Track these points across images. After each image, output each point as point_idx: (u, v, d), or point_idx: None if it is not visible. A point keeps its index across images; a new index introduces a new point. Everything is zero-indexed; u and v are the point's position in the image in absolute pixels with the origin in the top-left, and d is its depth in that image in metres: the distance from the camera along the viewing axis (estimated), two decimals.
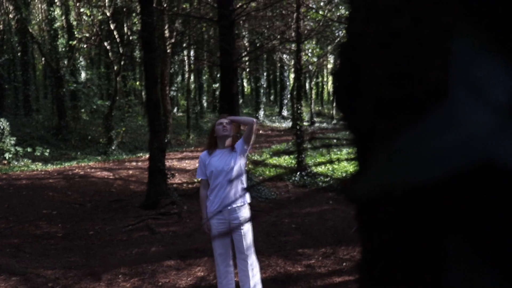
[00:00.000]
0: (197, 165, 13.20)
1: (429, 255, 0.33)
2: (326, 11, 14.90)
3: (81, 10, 19.35)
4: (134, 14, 17.39)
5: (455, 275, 0.27)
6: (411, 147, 0.24)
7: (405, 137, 0.24)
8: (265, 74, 30.72)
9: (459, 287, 0.27)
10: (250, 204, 4.01)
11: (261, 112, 28.85)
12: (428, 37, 0.33)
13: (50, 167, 12.83)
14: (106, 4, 16.42)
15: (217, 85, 27.55)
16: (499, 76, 0.24)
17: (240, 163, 3.82)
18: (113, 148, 17.24)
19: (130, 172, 12.02)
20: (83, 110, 20.09)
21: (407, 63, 0.32)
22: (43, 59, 21.00)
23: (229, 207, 3.80)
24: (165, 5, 15.59)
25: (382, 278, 0.37)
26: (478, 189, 0.29)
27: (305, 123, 16.86)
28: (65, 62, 19.00)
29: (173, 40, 17.73)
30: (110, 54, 17.77)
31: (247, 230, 3.88)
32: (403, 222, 0.35)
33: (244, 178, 3.91)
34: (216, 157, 3.80)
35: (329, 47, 20.04)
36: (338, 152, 13.46)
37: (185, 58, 22.96)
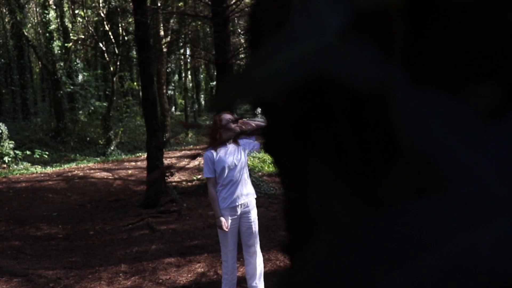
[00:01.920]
0: (196, 163, 13.11)
1: (300, 184, 0.35)
2: None
3: (76, 12, 19.34)
4: (128, 14, 17.38)
5: (315, 200, 0.29)
6: (257, 63, 0.26)
7: (254, 55, 0.27)
8: None
9: (317, 211, 0.28)
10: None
11: (259, 109, 28.84)
12: None
13: (49, 170, 12.85)
14: (100, 5, 16.41)
15: (214, 82, 27.54)
16: (334, 5, 0.27)
17: (245, 155, 3.85)
18: (112, 148, 17.26)
19: (129, 171, 12.05)
20: (81, 112, 20.10)
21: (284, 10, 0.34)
22: (39, 62, 20.98)
23: (241, 202, 3.80)
24: (159, 4, 15.58)
25: (290, 218, 0.39)
26: (318, 106, 0.32)
27: None
28: (62, 64, 19.00)
29: (168, 39, 17.73)
30: (106, 55, 17.77)
31: (255, 222, 3.90)
32: (285, 154, 0.38)
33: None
34: (224, 153, 3.79)
35: None
36: None
37: (182, 56, 22.95)
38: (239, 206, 3.81)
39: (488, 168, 0.21)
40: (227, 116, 3.83)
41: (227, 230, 3.78)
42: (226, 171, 3.74)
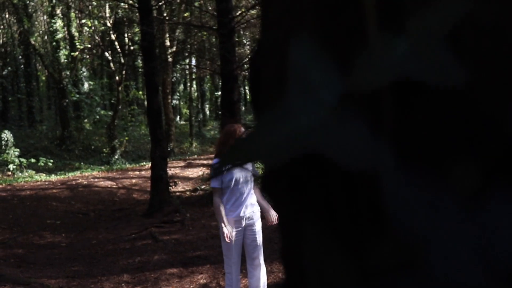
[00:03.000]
0: (200, 173, 13.11)
1: (295, 233, 0.37)
2: None
3: (83, 21, 19.50)
4: (135, 24, 17.50)
5: (308, 258, 0.30)
6: (259, 133, 0.28)
7: (258, 123, 0.28)
8: None
9: (309, 268, 0.30)
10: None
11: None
12: (273, 40, 0.37)
13: (53, 178, 12.89)
14: (107, 15, 16.54)
15: (219, 93, 27.62)
16: (330, 78, 0.28)
17: (252, 170, 3.85)
18: (116, 157, 17.29)
19: (133, 181, 12.07)
20: (86, 120, 20.19)
21: (280, 69, 0.36)
22: (46, 70, 21.13)
23: (247, 215, 3.80)
24: (165, 14, 15.69)
25: (285, 261, 0.40)
26: (315, 177, 0.33)
27: None
28: (68, 73, 19.12)
29: (174, 49, 17.83)
30: (112, 64, 17.87)
31: (260, 234, 3.89)
32: (282, 199, 0.39)
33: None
34: None
35: None
36: None
37: (187, 66, 23.06)
38: (244, 218, 3.80)
39: (466, 252, 0.22)
40: (242, 129, 3.83)
41: (229, 241, 3.76)
42: (233, 182, 3.74)
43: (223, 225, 3.71)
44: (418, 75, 0.26)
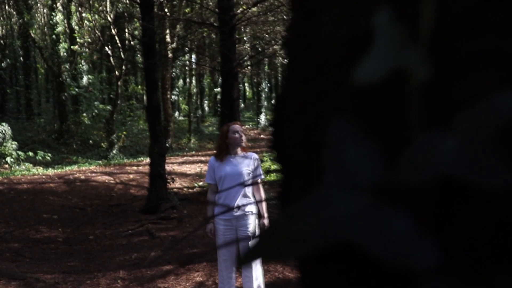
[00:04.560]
0: (198, 169, 13.18)
1: None
2: None
3: (83, 15, 19.43)
4: (135, 20, 17.45)
5: None
6: (293, 220, 0.27)
7: (291, 209, 0.28)
8: (266, 78, 30.76)
9: None
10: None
11: (262, 116, 28.87)
12: (302, 100, 0.36)
13: (51, 171, 12.86)
14: (108, 10, 16.48)
15: (218, 89, 27.59)
16: (370, 165, 0.27)
17: (250, 171, 3.80)
18: (114, 152, 17.26)
19: (131, 176, 12.05)
20: (84, 114, 20.14)
21: (310, 133, 0.35)
22: (45, 63, 21.07)
23: (236, 213, 3.79)
24: (166, 10, 15.65)
25: None
26: (351, 265, 0.32)
27: None
28: (67, 67, 19.06)
29: (174, 45, 17.78)
30: (111, 59, 17.83)
31: (253, 234, 3.88)
32: None
33: (260, 187, 3.91)
34: (226, 163, 3.79)
35: None
36: None
37: (187, 62, 23.02)
38: (235, 218, 3.80)
39: None
40: (236, 127, 3.82)
41: (212, 236, 3.84)
42: (223, 180, 3.75)
43: (208, 220, 3.81)
44: (465, 174, 0.25)
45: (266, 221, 3.84)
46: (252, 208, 3.85)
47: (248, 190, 3.86)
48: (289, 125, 0.39)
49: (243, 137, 3.78)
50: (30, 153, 14.67)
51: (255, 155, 3.89)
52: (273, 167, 13.47)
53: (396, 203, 0.26)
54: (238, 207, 3.77)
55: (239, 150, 3.81)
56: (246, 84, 40.18)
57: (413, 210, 0.28)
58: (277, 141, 0.42)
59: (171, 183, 9.20)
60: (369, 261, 0.29)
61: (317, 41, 0.36)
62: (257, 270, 3.95)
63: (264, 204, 3.90)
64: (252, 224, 3.85)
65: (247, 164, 3.79)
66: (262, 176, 3.94)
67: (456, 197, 0.27)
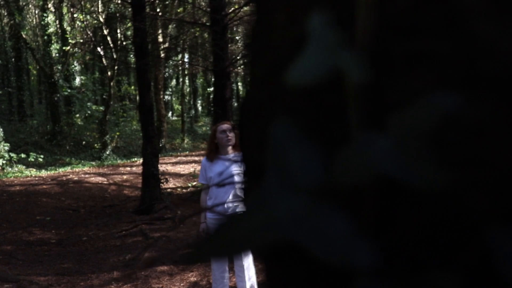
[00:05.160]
0: (191, 169, 13.14)
1: None
2: None
3: (75, 15, 19.34)
4: (127, 20, 17.40)
5: None
6: (236, 221, 0.28)
7: (238, 211, 0.28)
8: None
9: None
10: None
11: None
12: (258, 101, 0.37)
13: (44, 173, 12.80)
14: (100, 10, 16.42)
15: (211, 89, 27.55)
16: (310, 166, 0.27)
17: (240, 171, 3.80)
18: (107, 153, 17.21)
19: (125, 177, 12.02)
20: (77, 115, 20.06)
21: (264, 135, 0.35)
22: (37, 64, 20.97)
23: (229, 212, 3.79)
24: (158, 10, 15.61)
25: None
26: (299, 263, 0.33)
27: None
28: (59, 68, 18.97)
29: (166, 45, 17.74)
30: (104, 59, 17.76)
31: None
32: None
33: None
34: (217, 163, 3.79)
35: None
36: None
37: (179, 62, 22.98)
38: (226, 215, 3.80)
39: None
40: (224, 127, 3.81)
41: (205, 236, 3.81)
42: (212, 180, 3.76)
43: (201, 220, 3.87)
44: (398, 175, 0.25)
45: None
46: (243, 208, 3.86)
47: (239, 190, 3.85)
48: (249, 126, 0.39)
49: (230, 137, 3.75)
50: (23, 155, 14.60)
51: None
52: None
53: (336, 204, 0.27)
54: (228, 207, 3.78)
55: (229, 150, 3.80)
56: (239, 84, 40.14)
57: (353, 211, 0.28)
58: (241, 142, 0.42)
59: (164, 183, 9.19)
60: (312, 260, 0.30)
61: (270, 43, 0.36)
62: (250, 270, 3.96)
63: None
64: None
65: (237, 164, 3.79)
66: None
67: (393, 198, 0.28)
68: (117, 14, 17.45)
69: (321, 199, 0.26)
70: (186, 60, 22.70)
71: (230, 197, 3.80)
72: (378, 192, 0.28)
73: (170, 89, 25.37)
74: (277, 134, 0.29)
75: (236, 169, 3.78)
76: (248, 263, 3.93)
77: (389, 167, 0.25)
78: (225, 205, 3.77)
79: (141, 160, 9.59)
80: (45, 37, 18.89)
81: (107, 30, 16.78)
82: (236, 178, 3.77)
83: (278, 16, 0.34)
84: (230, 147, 3.79)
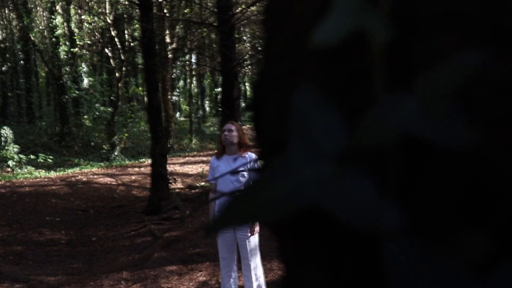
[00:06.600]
0: (199, 169, 13.16)
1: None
2: None
3: (82, 17, 19.44)
4: (135, 21, 17.47)
5: None
6: (259, 188, 0.27)
7: (258, 178, 0.28)
8: None
9: None
10: None
11: None
12: (275, 76, 0.37)
13: (53, 174, 12.88)
14: (107, 11, 16.50)
15: (219, 89, 27.58)
16: (334, 130, 0.27)
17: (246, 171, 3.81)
18: (115, 154, 17.28)
19: (133, 177, 12.06)
20: (85, 117, 20.16)
21: (283, 108, 0.35)
22: (45, 66, 21.10)
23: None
24: (165, 11, 15.65)
25: None
26: (320, 231, 0.32)
27: None
28: (67, 69, 19.08)
29: (174, 45, 17.79)
30: (111, 60, 17.84)
31: (254, 237, 3.88)
32: (285, 241, 0.39)
33: None
34: (222, 163, 3.82)
35: None
36: None
37: (187, 63, 23.03)
38: None
39: None
40: (226, 126, 3.83)
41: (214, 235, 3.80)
42: (219, 180, 3.78)
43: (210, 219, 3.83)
44: (425, 135, 0.25)
45: (257, 227, 3.87)
46: None
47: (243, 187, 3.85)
48: (265, 102, 0.39)
49: (231, 135, 3.76)
50: (32, 156, 14.70)
51: (254, 156, 3.88)
52: None
53: (362, 167, 0.26)
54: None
55: (236, 150, 3.81)
56: (246, 84, 40.17)
57: (379, 174, 0.28)
58: (256, 121, 0.42)
59: (173, 183, 9.21)
60: (338, 226, 0.29)
61: (289, 16, 0.36)
62: (257, 270, 3.95)
63: None
64: (250, 225, 3.85)
65: (242, 164, 3.79)
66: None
67: (420, 159, 0.27)
68: (125, 15, 17.53)
69: (346, 164, 0.26)
70: (193, 60, 22.75)
71: None
72: (404, 153, 0.27)
73: (177, 90, 25.44)
74: (300, 102, 0.29)
75: (241, 169, 3.80)
76: (256, 263, 3.93)
77: (416, 127, 0.25)
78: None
79: (149, 161, 9.63)
80: (53, 39, 19.00)
81: (115, 32, 16.85)
82: (241, 178, 3.78)
83: None
84: (236, 147, 3.80)
